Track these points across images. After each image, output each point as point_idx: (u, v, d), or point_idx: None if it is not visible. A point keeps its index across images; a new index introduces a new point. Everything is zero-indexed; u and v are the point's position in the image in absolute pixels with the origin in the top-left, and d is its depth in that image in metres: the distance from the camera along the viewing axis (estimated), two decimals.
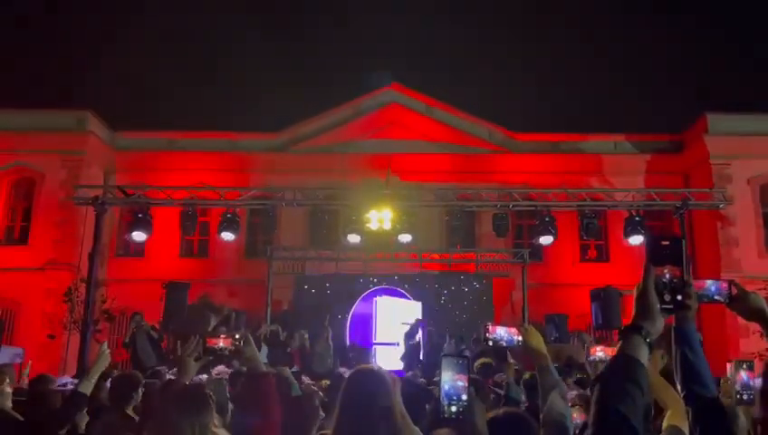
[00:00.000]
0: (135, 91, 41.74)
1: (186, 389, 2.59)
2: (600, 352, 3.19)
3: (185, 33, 50.46)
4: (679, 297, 1.49)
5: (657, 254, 1.52)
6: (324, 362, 13.30)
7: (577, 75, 50.57)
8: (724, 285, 1.93)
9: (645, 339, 1.43)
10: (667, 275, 1.50)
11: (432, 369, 10.35)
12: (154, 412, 2.54)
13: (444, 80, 43.77)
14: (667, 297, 1.49)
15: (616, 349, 1.45)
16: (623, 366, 1.39)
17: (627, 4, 52.65)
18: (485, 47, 51.36)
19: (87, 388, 3.96)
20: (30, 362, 12.93)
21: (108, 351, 4.05)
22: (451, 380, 2.08)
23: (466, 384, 2.09)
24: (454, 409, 2.06)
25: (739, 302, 1.97)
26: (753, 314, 1.99)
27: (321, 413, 3.57)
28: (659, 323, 1.47)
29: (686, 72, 49.24)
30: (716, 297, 1.91)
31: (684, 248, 1.53)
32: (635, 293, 1.50)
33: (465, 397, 2.07)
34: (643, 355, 1.41)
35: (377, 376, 2.39)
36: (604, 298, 14.06)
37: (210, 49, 52.60)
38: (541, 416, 2.60)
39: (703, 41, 48.29)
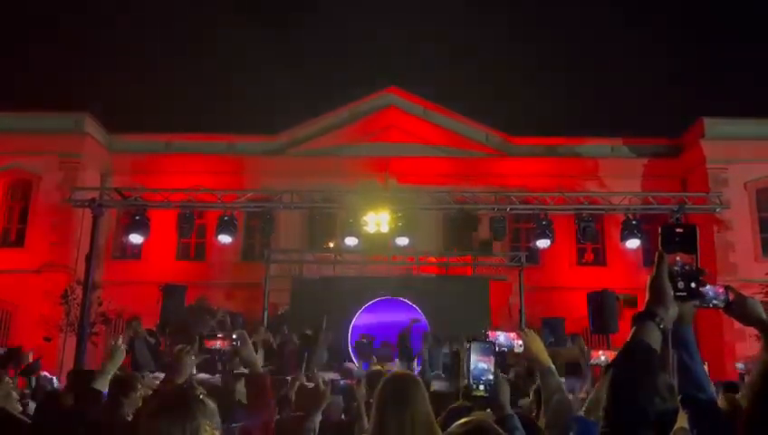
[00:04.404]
0: (132, 94, 41.74)
1: (173, 392, 2.55)
2: (602, 356, 3.26)
3: (183, 36, 50.48)
4: (693, 284, 1.48)
5: (669, 241, 1.50)
6: (320, 364, 13.24)
7: (574, 79, 50.70)
8: (721, 289, 1.91)
9: (658, 326, 1.42)
10: (680, 263, 1.48)
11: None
12: (144, 416, 2.51)
13: (441, 83, 43.81)
14: (681, 284, 1.47)
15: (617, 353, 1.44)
16: (635, 352, 1.39)
17: (624, 7, 52.85)
18: (483, 50, 51.49)
19: (103, 385, 3.88)
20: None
21: (123, 347, 3.98)
22: (476, 362, 2.30)
23: (491, 366, 2.30)
24: (482, 388, 2.29)
25: (736, 307, 1.97)
26: (751, 319, 1.99)
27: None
28: (673, 311, 1.46)
29: (683, 76, 49.39)
30: (714, 302, 1.89)
31: (697, 237, 1.51)
32: (648, 280, 1.49)
33: (490, 377, 2.30)
34: (656, 341, 1.40)
35: (411, 379, 2.66)
36: (601, 302, 14.02)
37: (208, 51, 52.60)
38: (545, 419, 2.65)
39: (700, 44, 48.49)
